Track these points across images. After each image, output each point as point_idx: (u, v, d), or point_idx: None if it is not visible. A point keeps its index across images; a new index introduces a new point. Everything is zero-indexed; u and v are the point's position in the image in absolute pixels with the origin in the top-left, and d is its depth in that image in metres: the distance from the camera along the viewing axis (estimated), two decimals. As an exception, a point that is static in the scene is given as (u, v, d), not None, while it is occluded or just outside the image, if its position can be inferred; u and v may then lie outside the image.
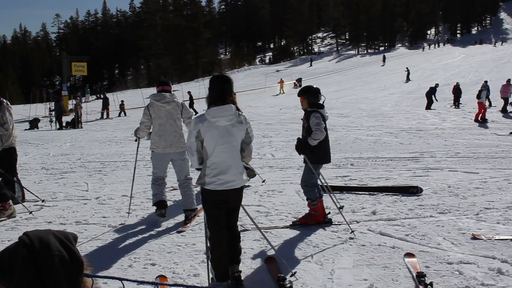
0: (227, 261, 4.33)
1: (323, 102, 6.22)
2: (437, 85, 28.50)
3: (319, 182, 6.27)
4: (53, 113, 28.58)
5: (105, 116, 31.36)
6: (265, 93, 43.01)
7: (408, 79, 46.09)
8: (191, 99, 30.89)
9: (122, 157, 12.49)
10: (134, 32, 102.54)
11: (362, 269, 4.71)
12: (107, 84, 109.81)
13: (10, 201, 7.12)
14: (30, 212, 7.23)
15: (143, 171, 10.35)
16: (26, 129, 25.44)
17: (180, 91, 39.51)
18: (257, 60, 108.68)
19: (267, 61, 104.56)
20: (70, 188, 8.95)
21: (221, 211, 4.29)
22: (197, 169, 4.39)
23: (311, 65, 77.49)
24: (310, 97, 6.14)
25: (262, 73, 68.50)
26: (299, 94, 6.24)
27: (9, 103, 7.90)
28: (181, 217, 6.65)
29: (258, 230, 5.23)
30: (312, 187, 6.11)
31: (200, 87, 43.24)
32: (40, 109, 35.05)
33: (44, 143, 16.87)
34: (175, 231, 6.11)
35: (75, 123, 26.06)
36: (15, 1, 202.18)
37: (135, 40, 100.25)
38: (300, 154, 6.13)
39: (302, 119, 6.35)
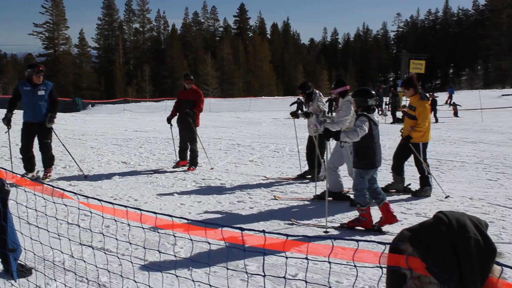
0: None
1: (375, 105, 6.16)
2: None
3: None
4: (387, 107, 29.80)
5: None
6: None
7: None
8: None
9: (458, 157, 12.14)
10: (475, 31, 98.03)
11: None
12: (440, 83, 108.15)
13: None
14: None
15: (482, 174, 9.90)
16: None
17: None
18: None
19: None
20: (406, 180, 9.15)
21: None
22: None
23: None
24: (357, 99, 6.13)
25: None
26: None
27: (321, 94, 9.31)
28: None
29: None
30: (361, 192, 6.08)
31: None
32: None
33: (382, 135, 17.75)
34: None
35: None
36: (361, 3, 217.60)
37: (475, 40, 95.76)
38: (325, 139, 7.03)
39: None
